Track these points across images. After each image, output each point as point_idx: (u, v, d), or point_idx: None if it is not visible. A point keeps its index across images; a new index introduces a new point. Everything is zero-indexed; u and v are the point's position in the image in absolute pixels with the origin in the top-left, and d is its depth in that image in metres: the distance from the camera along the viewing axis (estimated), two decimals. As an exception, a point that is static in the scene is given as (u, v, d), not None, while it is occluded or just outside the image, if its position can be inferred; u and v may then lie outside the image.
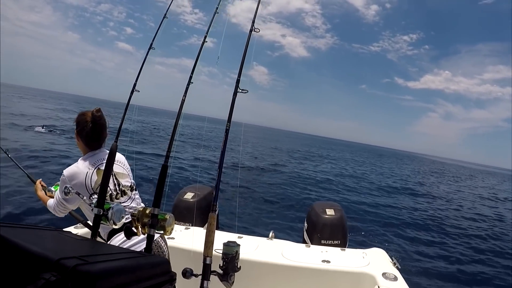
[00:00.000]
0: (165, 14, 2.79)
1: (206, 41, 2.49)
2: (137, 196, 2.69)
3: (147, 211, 1.79)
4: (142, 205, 2.67)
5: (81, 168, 2.48)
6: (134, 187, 2.69)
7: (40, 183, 3.00)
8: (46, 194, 2.92)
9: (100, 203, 1.93)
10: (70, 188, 2.15)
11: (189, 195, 4.38)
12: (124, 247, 2.40)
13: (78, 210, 2.76)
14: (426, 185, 29.49)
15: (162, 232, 1.80)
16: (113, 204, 1.89)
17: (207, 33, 2.53)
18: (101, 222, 1.93)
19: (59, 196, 2.54)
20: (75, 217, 3.06)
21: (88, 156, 2.57)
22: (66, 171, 2.47)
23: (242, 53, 2.22)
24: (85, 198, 2.37)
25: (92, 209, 1.98)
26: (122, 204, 2.36)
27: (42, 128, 21.90)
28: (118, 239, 2.46)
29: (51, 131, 22.06)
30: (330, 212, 4.47)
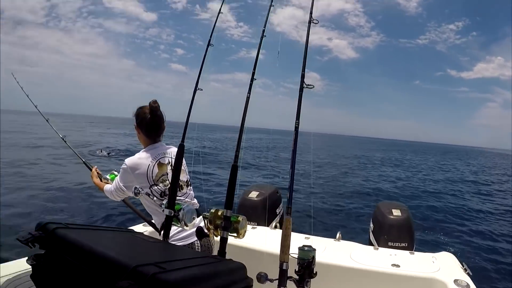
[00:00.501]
0: (209, 41, 2.61)
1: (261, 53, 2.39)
2: (191, 191, 2.73)
3: (219, 213, 1.71)
4: (195, 201, 2.71)
5: (143, 160, 2.56)
6: (190, 182, 2.73)
7: (96, 170, 3.11)
8: (101, 181, 3.02)
9: (171, 204, 1.89)
10: (140, 189, 2.16)
11: (253, 194, 4.35)
12: (176, 238, 2.47)
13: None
14: (497, 183, 27.35)
15: (235, 234, 1.72)
16: (183, 205, 1.84)
17: (264, 30, 2.42)
18: (172, 223, 1.89)
19: (119, 183, 2.62)
20: (138, 214, 3.11)
21: (149, 149, 2.65)
22: (129, 161, 2.56)
23: (303, 52, 2.07)
24: (155, 198, 2.41)
25: (162, 210, 1.95)
26: (177, 198, 2.37)
27: (101, 151, 23.06)
28: (171, 231, 2.45)
29: (109, 153, 23.09)
30: (396, 212, 4.27)
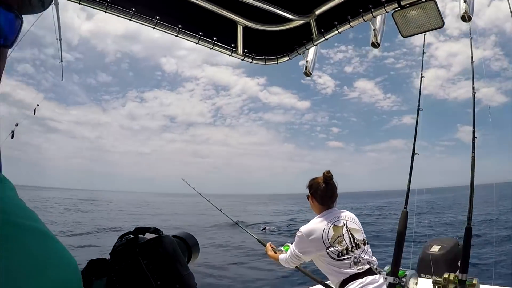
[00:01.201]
0: (418, 105, 2.65)
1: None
2: (369, 249, 2.72)
3: (452, 277, 1.57)
4: (374, 258, 2.68)
5: (318, 225, 2.67)
6: (366, 241, 2.75)
7: (270, 245, 3.31)
8: (275, 253, 3.18)
9: (395, 271, 1.81)
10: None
11: (435, 248, 4.06)
12: None
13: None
14: None
15: (469, 300, 1.56)
16: (407, 271, 1.75)
17: (418, 104, 2.36)
18: None
19: (295, 250, 2.72)
20: (312, 278, 3.23)
21: (323, 215, 2.74)
22: (304, 228, 2.70)
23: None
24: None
25: (386, 278, 1.88)
26: (356, 256, 2.52)
27: (264, 230, 23.44)
28: None
29: (263, 229, 23.59)
30: None
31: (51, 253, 0.45)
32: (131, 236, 0.74)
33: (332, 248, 2.56)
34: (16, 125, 2.71)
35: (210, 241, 17.54)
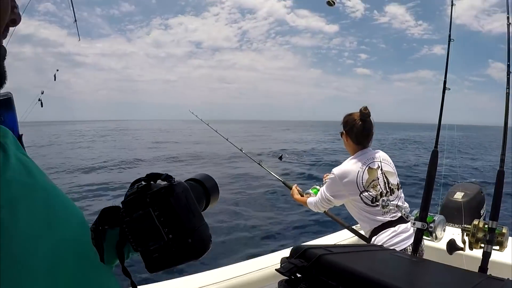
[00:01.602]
0: (449, 35, 2.42)
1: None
2: (402, 195, 2.55)
3: (481, 225, 1.52)
4: (406, 204, 2.44)
5: (352, 167, 2.46)
6: (400, 185, 2.56)
7: (296, 188, 3.08)
8: (303, 196, 2.96)
9: (423, 216, 1.76)
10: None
11: (458, 195, 3.97)
12: (389, 244, 2.28)
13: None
14: None
15: (498, 248, 1.51)
16: (435, 216, 1.70)
17: (450, 34, 2.20)
18: (424, 237, 1.77)
19: (325, 193, 2.53)
20: (340, 222, 3.03)
21: (358, 156, 2.53)
22: (337, 170, 2.48)
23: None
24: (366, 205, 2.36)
25: (414, 223, 1.83)
26: (390, 201, 2.24)
27: (279, 158, 22.52)
28: (383, 237, 2.35)
29: (280, 157, 22.39)
30: None
31: (53, 210, 0.44)
32: (143, 183, 0.70)
33: (366, 193, 2.40)
34: (42, 92, 2.68)
35: (228, 171, 17.23)
